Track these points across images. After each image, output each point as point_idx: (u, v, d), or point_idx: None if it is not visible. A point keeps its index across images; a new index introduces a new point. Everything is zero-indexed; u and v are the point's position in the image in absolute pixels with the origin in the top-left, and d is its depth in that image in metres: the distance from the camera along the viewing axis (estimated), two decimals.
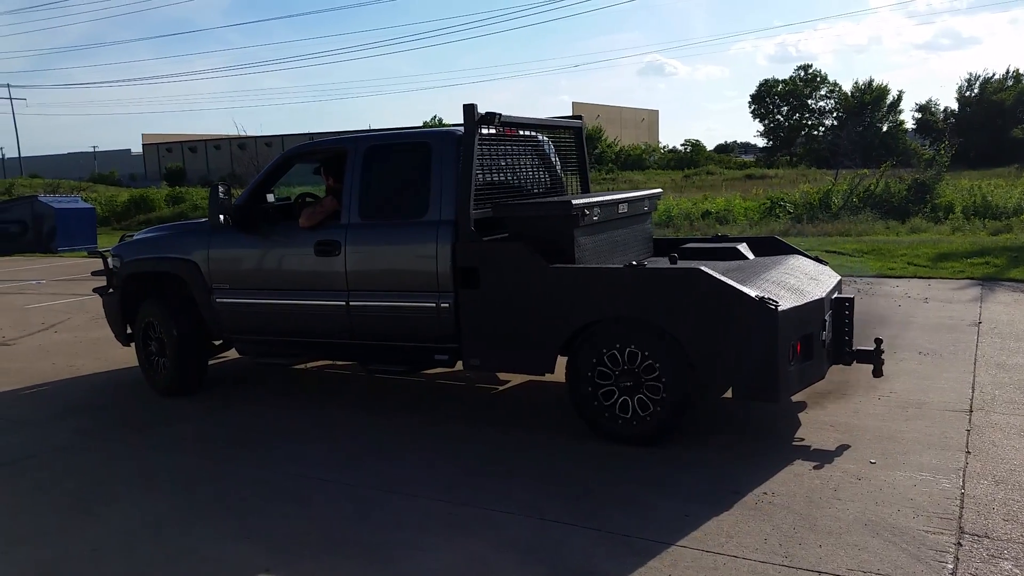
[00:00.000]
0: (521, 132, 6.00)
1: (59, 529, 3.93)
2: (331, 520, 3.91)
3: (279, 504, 4.14)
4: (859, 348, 5.15)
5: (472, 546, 3.58)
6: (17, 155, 79.90)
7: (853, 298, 5.16)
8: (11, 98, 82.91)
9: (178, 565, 3.52)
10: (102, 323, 7.54)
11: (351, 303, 5.52)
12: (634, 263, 4.83)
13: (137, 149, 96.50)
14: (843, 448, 4.56)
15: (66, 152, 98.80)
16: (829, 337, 4.91)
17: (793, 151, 60.94)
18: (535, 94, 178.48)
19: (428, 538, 3.68)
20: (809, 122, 63.57)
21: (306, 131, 75.29)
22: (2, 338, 8.88)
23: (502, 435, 5.06)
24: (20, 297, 12.19)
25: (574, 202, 5.00)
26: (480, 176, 5.26)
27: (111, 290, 6.70)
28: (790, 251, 6.14)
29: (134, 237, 6.82)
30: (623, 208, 5.70)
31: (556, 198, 5.69)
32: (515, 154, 6.01)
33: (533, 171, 6.23)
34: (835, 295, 5.15)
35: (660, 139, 76.80)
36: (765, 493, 3.98)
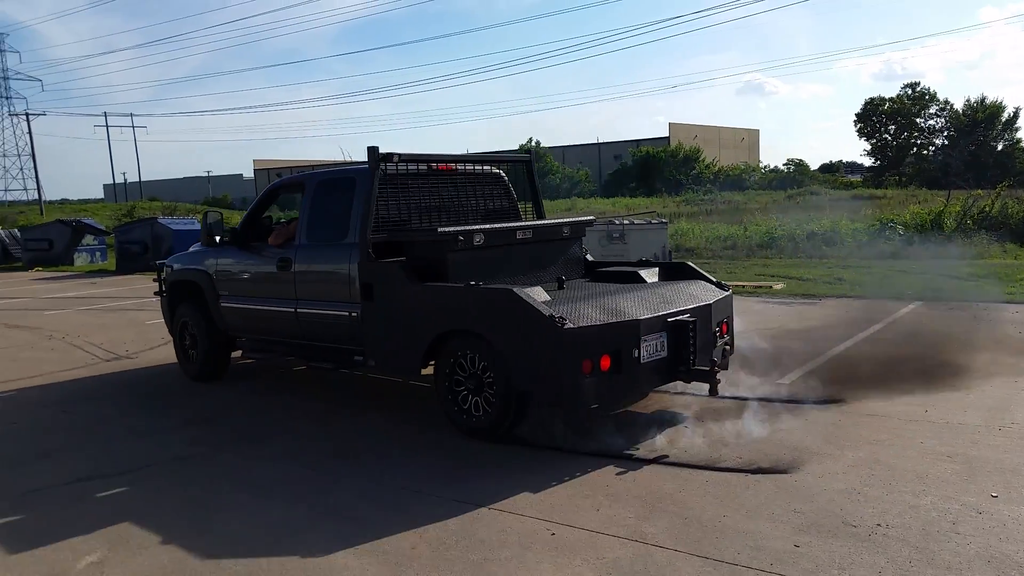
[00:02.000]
0: (460, 166, 6.88)
1: (179, 534, 4.14)
2: (437, 534, 3.99)
3: (386, 515, 4.25)
4: (697, 367, 5.47)
5: (575, 567, 3.59)
6: (138, 179, 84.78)
7: (695, 321, 5.50)
8: (133, 126, 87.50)
9: (288, 573, 3.66)
10: None
11: (298, 310, 6.59)
12: (472, 283, 5.37)
13: (249, 174, 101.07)
14: (962, 480, 4.35)
15: (182, 177, 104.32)
16: (661, 355, 5.37)
17: (902, 171, 58.64)
18: (629, 116, 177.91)
19: (531, 556, 3.71)
20: (918, 141, 61.09)
21: None
22: (126, 351, 9.43)
23: (603, 459, 5.05)
24: (142, 313, 12.93)
25: (443, 229, 5.76)
26: (394, 205, 6.16)
27: (163, 294, 8.07)
28: (694, 276, 6.51)
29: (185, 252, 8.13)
30: (524, 234, 6.27)
31: (441, 227, 6.14)
32: (449, 186, 6.78)
33: (475, 200, 6.94)
34: (679, 318, 5.49)
35: (760, 159, 75.25)
36: (879, 524, 3.84)
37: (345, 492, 4.64)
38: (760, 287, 12.63)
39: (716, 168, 58.14)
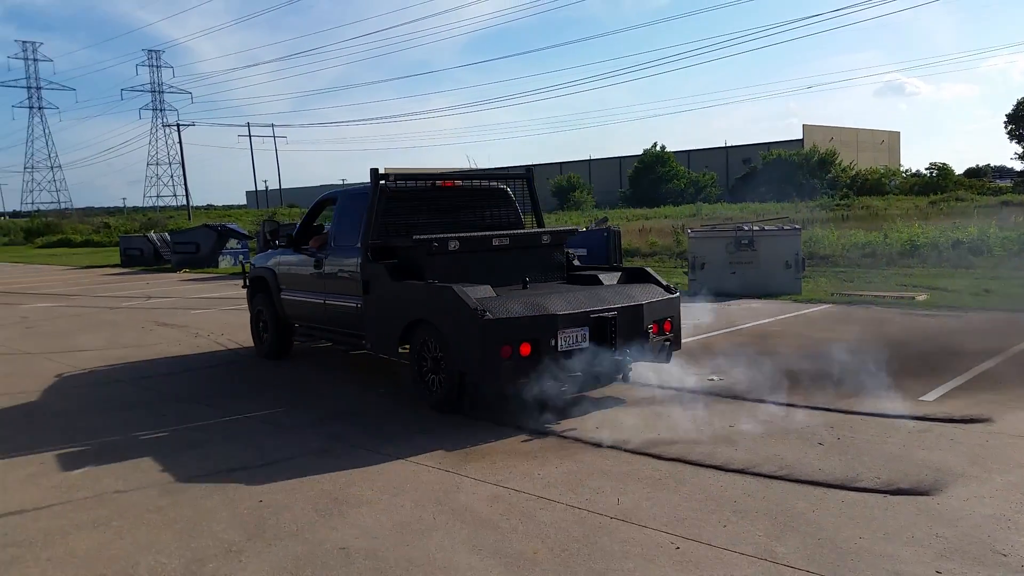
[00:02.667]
0: (460, 183, 8.00)
1: (312, 527, 4.32)
2: (559, 541, 3.99)
3: (512, 520, 4.28)
4: (616, 357, 6.32)
5: None
6: (278, 187, 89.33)
7: (615, 317, 6.28)
8: (275, 136, 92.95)
9: (416, 571, 3.74)
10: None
11: (326, 301, 7.99)
12: (431, 281, 6.43)
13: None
14: None
15: (318, 184, 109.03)
16: (583, 345, 6.17)
17: None
18: (762, 118, 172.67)
19: (655, 570, 3.65)
20: None
21: (530, 162, 77.98)
22: (243, 342, 9.92)
23: (733, 474, 4.91)
24: None
25: (417, 237, 6.78)
26: (406, 217, 7.39)
27: (246, 287, 9.78)
28: (648, 280, 7.23)
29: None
30: (500, 242, 7.19)
31: (417, 234, 6.95)
32: (457, 200, 7.87)
33: (481, 212, 8.00)
34: (602, 315, 6.27)
35: (901, 162, 71.32)
36: None
37: (470, 496, 4.71)
38: (901, 297, 11.96)
39: (853, 172, 55.57)
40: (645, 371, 7.20)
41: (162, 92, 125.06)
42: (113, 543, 4.17)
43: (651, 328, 6.72)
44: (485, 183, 8.28)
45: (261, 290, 9.32)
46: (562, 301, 6.31)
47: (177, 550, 4.06)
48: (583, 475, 4.95)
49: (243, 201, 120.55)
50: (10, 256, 41.12)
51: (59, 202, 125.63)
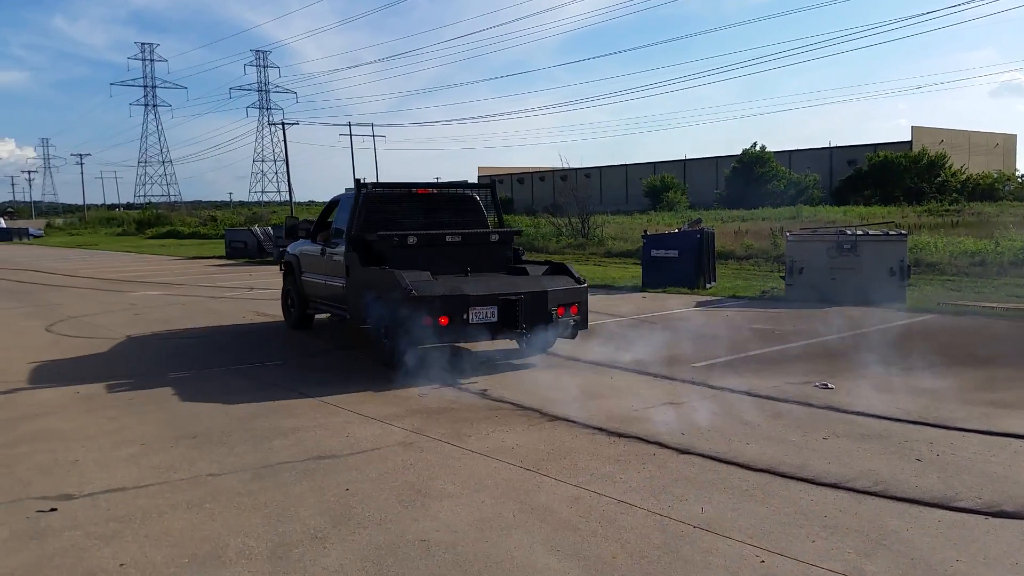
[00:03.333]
0: (435, 191, 10.17)
1: (395, 518, 4.38)
2: (639, 547, 3.93)
3: (591, 523, 4.24)
4: (524, 329, 8.04)
5: None
6: None
7: (520, 300, 7.87)
8: (374, 135, 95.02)
9: (494, 568, 3.75)
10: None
11: (327, 282, 9.86)
12: (384, 268, 8.16)
13: (473, 180, 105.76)
14: None
15: (414, 183, 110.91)
16: (492, 320, 7.81)
17: None
18: (864, 119, 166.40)
19: None
20: None
21: (620, 163, 77.30)
22: (355, 341, 10.15)
23: (825, 488, 4.73)
24: None
25: (381, 233, 8.67)
26: (390, 218, 9.25)
27: (281, 269, 11.90)
28: (565, 273, 8.88)
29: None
30: (453, 238, 8.98)
31: (389, 232, 8.76)
32: (434, 204, 9.90)
33: (453, 215, 9.86)
34: (508, 297, 7.88)
35: (1017, 167, 67.38)
36: None
37: (550, 496, 4.69)
38: (1011, 308, 11.28)
39: (964, 176, 52.80)
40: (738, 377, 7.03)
41: (268, 91, 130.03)
42: (205, 524, 4.33)
43: (556, 311, 8.23)
44: (456, 191, 10.65)
45: (289, 272, 11.38)
46: (481, 286, 8.07)
47: (265, 533, 4.19)
48: (667, 482, 4.86)
49: None
50: (123, 246, 43.50)
51: (169, 195, 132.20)
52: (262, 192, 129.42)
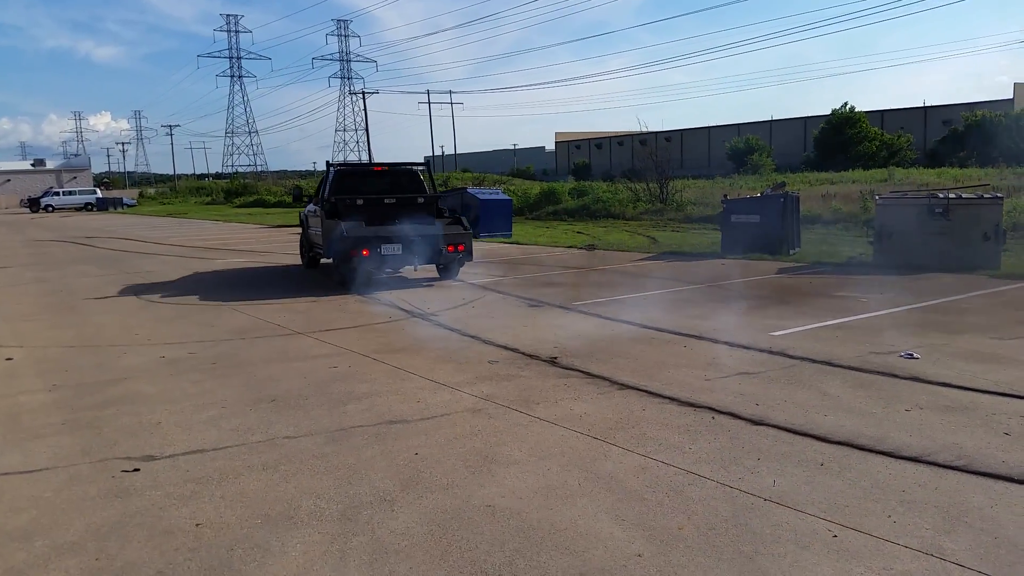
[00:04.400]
0: (388, 167, 14.30)
1: (462, 483, 4.41)
2: (706, 518, 3.85)
3: (658, 493, 4.19)
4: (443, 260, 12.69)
5: (857, 575, 3.26)
6: (453, 152, 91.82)
7: (418, 238, 11.84)
8: (451, 103, 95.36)
9: (558, 535, 3.74)
10: (510, 301, 8.85)
11: (317, 232, 13.63)
12: (334, 219, 12.25)
13: (551, 146, 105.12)
14: None
15: (491, 149, 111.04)
16: (397, 253, 11.89)
17: None
18: (963, 76, 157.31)
19: (808, 557, 3.44)
20: None
21: (706, 123, 75.35)
22: (427, 310, 10.27)
23: (904, 461, 4.54)
24: (443, 280, 14.00)
25: (337, 196, 12.69)
26: (357, 187, 13.28)
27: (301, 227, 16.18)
28: (459, 222, 13.02)
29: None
30: (390, 200, 12.98)
31: (347, 203, 12.81)
32: (388, 177, 13.88)
33: (401, 185, 13.70)
34: (410, 235, 11.84)
35: None
36: None
37: (616, 465, 4.64)
38: None
39: None
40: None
41: (349, 61, 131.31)
42: (279, 485, 4.46)
43: (447, 248, 12.37)
44: (401, 167, 14.37)
45: (302, 227, 15.80)
46: (394, 231, 12.03)
47: (336, 495, 4.28)
48: (738, 453, 4.75)
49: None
50: (211, 214, 45.00)
51: (255, 165, 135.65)
52: (345, 161, 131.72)
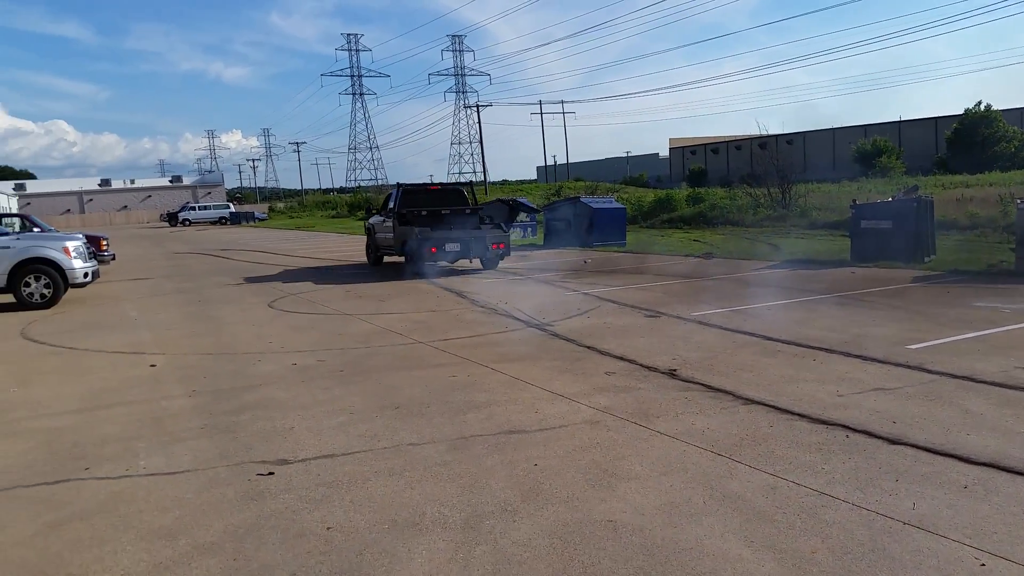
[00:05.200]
0: (441, 186, 19.35)
1: (582, 496, 4.38)
2: (841, 542, 3.68)
3: (789, 514, 4.03)
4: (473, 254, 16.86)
5: None
6: (566, 161, 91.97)
7: (471, 238, 16.33)
8: (563, 112, 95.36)
9: (683, 554, 3.65)
10: (626, 311, 8.64)
11: (386, 236, 17.48)
12: (409, 226, 16.53)
13: (665, 153, 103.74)
14: None
15: (604, 157, 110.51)
16: (457, 249, 16.14)
17: None
18: None
19: None
20: None
21: (829, 125, 72.55)
22: (543, 319, 10.30)
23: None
24: (565, 285, 14.02)
25: (406, 209, 16.87)
26: (419, 200, 17.46)
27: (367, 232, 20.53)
28: (499, 228, 17.18)
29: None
30: (446, 211, 16.89)
31: (415, 213, 16.82)
32: (442, 192, 18.29)
33: (447, 200, 17.66)
34: (464, 237, 16.31)
35: None
36: None
37: (744, 484, 4.50)
38: None
39: None
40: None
41: (464, 75, 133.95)
42: (405, 491, 4.56)
43: (492, 246, 16.51)
44: (451, 186, 19.27)
45: (369, 233, 20.02)
46: (453, 234, 16.08)
47: (459, 504, 4.35)
48: (874, 473, 4.52)
49: (534, 176, 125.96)
50: (336, 227, 46.76)
51: (376, 179, 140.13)
52: (459, 173, 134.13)
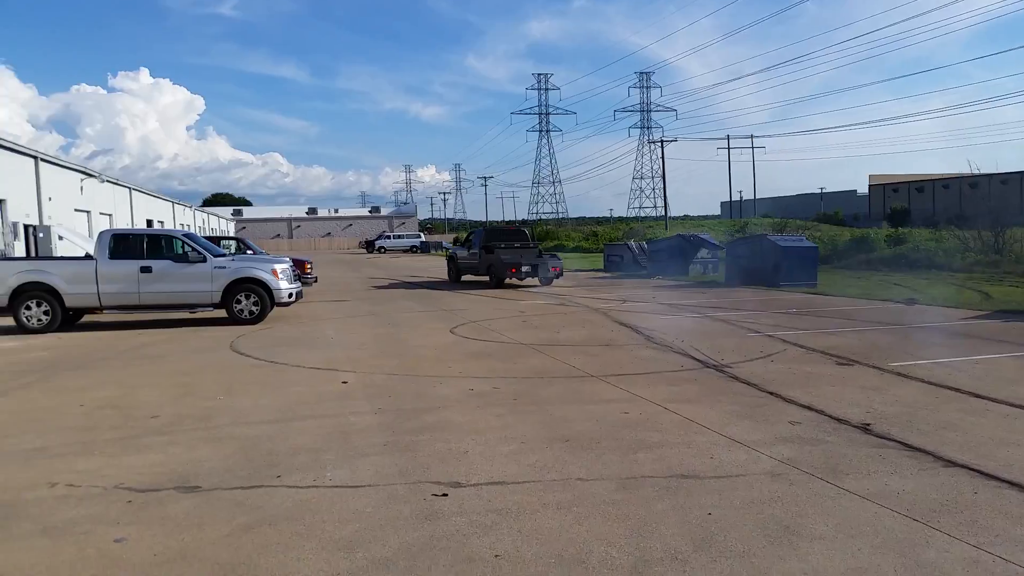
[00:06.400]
0: (514, 227, 38.06)
1: (760, 552, 4.14)
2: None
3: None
4: (540, 276, 24.75)
5: None
6: (752, 197, 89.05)
7: (536, 264, 24.26)
8: (752, 147, 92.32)
9: None
10: (814, 357, 8.21)
11: (469, 261, 26.90)
12: (493, 253, 25.18)
13: (863, 190, 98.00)
14: None
15: (795, 194, 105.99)
16: (529, 271, 24.04)
17: None
18: None
19: None
20: None
21: None
22: (722, 360, 9.94)
23: None
24: (742, 324, 13.50)
25: (490, 243, 25.59)
26: (499, 236, 26.94)
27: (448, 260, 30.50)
28: (555, 256, 26.81)
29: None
30: (522, 247, 25.73)
31: (497, 246, 25.56)
32: (517, 231, 28.56)
33: (517, 237, 27.07)
34: (534, 262, 24.43)
35: None
36: None
37: (941, 554, 4.09)
38: None
39: None
40: None
41: (649, 111, 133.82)
42: (573, 527, 4.52)
43: (551, 268, 24.28)
44: (519, 227, 35.70)
45: (451, 258, 28.83)
46: (525, 260, 24.12)
47: (627, 546, 4.25)
48: None
49: (716, 211, 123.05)
50: None
51: (557, 212, 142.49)
52: (639, 208, 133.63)
